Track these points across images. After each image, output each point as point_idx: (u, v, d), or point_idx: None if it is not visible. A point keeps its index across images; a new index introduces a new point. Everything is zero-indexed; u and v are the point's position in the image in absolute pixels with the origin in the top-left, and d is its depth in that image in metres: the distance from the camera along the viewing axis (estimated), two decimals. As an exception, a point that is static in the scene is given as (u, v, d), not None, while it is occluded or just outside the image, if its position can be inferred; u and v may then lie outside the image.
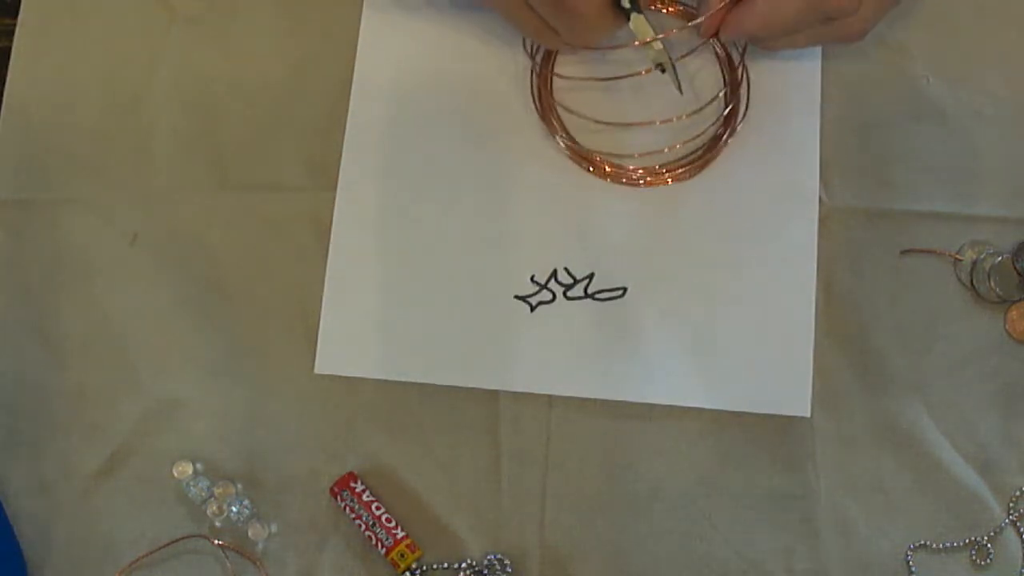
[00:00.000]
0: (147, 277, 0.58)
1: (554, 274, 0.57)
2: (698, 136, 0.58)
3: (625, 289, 0.57)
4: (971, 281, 0.57)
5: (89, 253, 0.58)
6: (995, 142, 0.58)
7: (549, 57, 0.59)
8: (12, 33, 0.61)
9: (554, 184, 0.58)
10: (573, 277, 0.57)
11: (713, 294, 0.57)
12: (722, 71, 0.59)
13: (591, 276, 0.57)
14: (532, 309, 0.57)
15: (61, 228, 0.59)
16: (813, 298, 0.56)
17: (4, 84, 0.60)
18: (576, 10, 0.52)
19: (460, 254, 0.57)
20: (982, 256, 0.57)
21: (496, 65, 0.59)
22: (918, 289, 0.57)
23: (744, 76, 0.59)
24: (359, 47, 0.59)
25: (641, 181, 0.58)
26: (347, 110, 0.59)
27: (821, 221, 0.57)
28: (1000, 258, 0.56)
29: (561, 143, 0.58)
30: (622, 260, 0.57)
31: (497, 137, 0.58)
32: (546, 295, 0.57)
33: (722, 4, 0.53)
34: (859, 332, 0.56)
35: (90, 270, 0.58)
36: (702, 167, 0.58)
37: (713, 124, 0.58)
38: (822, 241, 0.57)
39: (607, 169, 0.58)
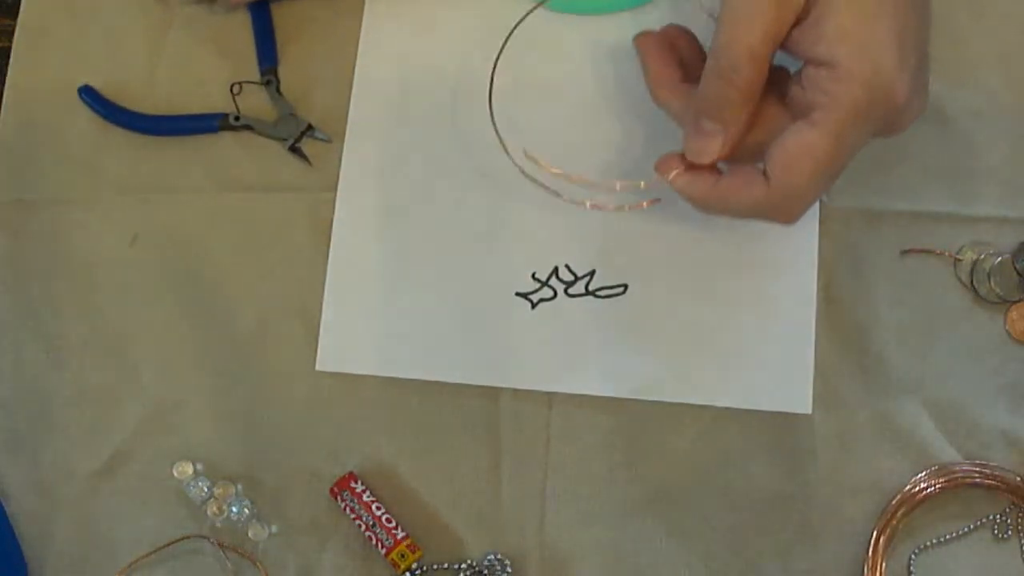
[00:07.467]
0: (147, 277, 0.58)
1: (555, 271, 0.57)
2: None
3: (626, 286, 0.57)
4: (971, 281, 0.57)
5: (89, 253, 0.58)
6: (995, 142, 0.58)
7: None
8: (12, 33, 0.61)
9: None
10: (574, 274, 0.57)
11: (714, 292, 0.57)
12: None
13: (592, 273, 0.57)
14: (533, 306, 0.57)
15: (61, 228, 0.59)
16: (814, 298, 0.56)
17: (4, 84, 0.60)
18: None
19: (461, 251, 0.57)
20: (982, 256, 0.57)
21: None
22: (918, 289, 0.57)
23: None
24: (359, 47, 0.59)
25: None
26: (347, 110, 0.59)
27: (821, 221, 0.57)
28: (1000, 258, 0.56)
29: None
30: (623, 257, 0.57)
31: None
32: (547, 292, 0.57)
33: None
34: (859, 332, 0.56)
35: (90, 270, 0.58)
36: None
37: None
38: (822, 241, 0.57)
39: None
